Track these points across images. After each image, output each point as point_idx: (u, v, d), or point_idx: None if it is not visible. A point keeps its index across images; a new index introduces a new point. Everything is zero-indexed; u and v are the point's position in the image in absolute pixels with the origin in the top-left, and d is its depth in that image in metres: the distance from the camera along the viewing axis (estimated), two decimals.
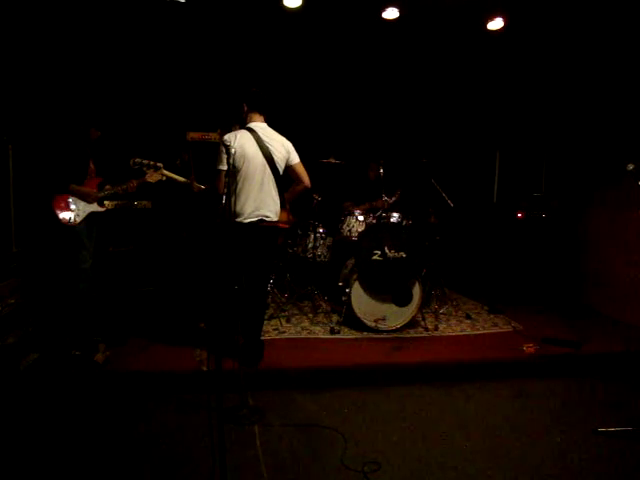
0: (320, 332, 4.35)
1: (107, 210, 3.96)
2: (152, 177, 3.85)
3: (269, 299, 4.81)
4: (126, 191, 3.90)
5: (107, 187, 3.89)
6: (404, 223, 4.68)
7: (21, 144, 4.47)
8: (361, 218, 4.95)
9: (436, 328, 4.52)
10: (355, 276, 4.35)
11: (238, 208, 3.45)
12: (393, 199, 4.85)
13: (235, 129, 3.60)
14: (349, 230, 4.95)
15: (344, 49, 5.48)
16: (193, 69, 5.41)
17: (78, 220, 3.75)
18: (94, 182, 3.89)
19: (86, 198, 3.79)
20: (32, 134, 4.59)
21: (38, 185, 4.23)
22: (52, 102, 4.79)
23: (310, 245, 5.04)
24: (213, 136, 4.85)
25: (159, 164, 3.79)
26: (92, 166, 3.93)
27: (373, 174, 5.35)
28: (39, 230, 4.49)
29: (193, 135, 4.92)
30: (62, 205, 3.73)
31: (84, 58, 4.94)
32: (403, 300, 4.36)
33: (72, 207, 3.75)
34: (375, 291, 4.37)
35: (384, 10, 4.80)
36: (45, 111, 4.73)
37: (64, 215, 3.71)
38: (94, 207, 3.85)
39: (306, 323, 4.58)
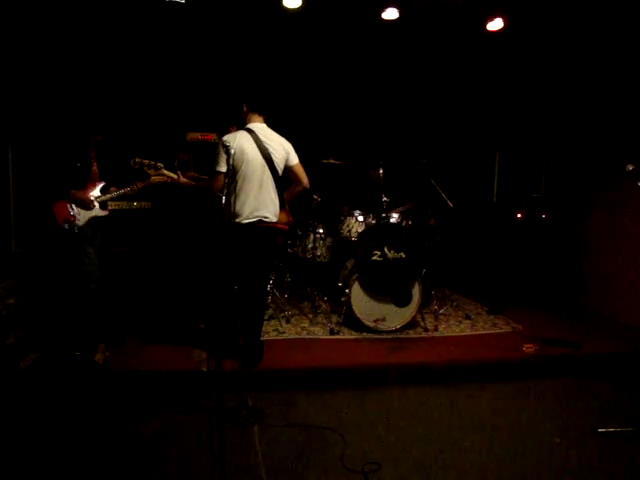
0: (320, 333, 4.35)
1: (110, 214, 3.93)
2: (156, 179, 3.83)
3: (269, 299, 4.80)
4: (129, 193, 3.90)
5: (113, 189, 3.89)
6: (404, 224, 4.68)
7: (21, 145, 4.47)
8: (361, 218, 4.95)
9: (436, 329, 4.52)
10: (355, 276, 4.35)
11: (237, 209, 3.45)
12: (401, 209, 4.79)
13: (232, 130, 3.59)
14: (349, 231, 4.95)
15: (344, 50, 5.47)
16: (193, 70, 5.41)
17: (79, 225, 3.74)
18: (96, 185, 3.88)
19: (83, 205, 3.78)
20: (32, 135, 4.59)
21: (39, 187, 4.22)
22: (52, 103, 4.79)
23: (310, 246, 5.04)
24: (212, 137, 4.86)
25: (159, 164, 3.77)
26: (95, 169, 3.91)
27: (374, 179, 5.12)
28: (40, 231, 4.48)
29: (193, 136, 4.93)
30: (62, 209, 3.72)
31: (84, 60, 4.94)
32: (403, 300, 4.37)
33: (72, 212, 3.74)
34: (375, 292, 4.37)
35: (384, 11, 4.80)
36: (44, 112, 4.73)
37: (64, 219, 3.71)
38: (96, 212, 3.83)
39: (306, 324, 4.58)
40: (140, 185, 3.85)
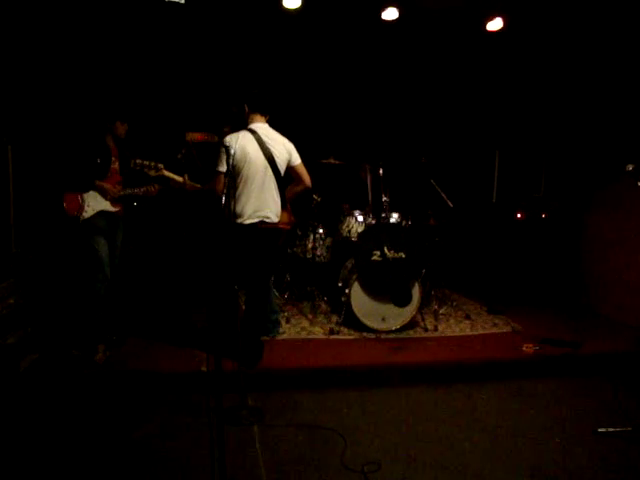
0: (319, 332, 4.35)
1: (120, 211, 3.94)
2: (176, 184, 3.82)
3: None
4: (147, 194, 3.92)
5: (137, 189, 3.90)
6: (403, 224, 4.67)
7: (21, 145, 4.47)
8: (360, 219, 4.95)
9: (435, 328, 4.52)
10: (355, 276, 4.35)
11: (239, 209, 3.45)
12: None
13: (226, 130, 3.59)
14: (348, 230, 4.95)
15: (344, 50, 5.48)
16: (193, 70, 5.41)
17: (86, 216, 3.74)
18: (114, 180, 3.88)
19: (105, 194, 3.79)
20: (34, 135, 4.59)
21: (47, 183, 4.22)
22: (53, 103, 4.80)
23: (310, 245, 5.04)
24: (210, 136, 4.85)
25: (160, 165, 3.77)
26: (116, 165, 3.90)
27: (364, 175, 5.23)
28: (44, 227, 4.48)
29: (192, 136, 4.92)
30: (72, 201, 3.73)
31: (84, 61, 4.95)
32: (402, 300, 4.36)
33: (81, 201, 3.75)
34: (375, 292, 4.37)
35: (383, 11, 4.80)
36: (46, 112, 4.73)
37: (71, 208, 3.72)
38: (105, 205, 3.82)
39: (305, 323, 4.58)
40: (157, 187, 3.89)
